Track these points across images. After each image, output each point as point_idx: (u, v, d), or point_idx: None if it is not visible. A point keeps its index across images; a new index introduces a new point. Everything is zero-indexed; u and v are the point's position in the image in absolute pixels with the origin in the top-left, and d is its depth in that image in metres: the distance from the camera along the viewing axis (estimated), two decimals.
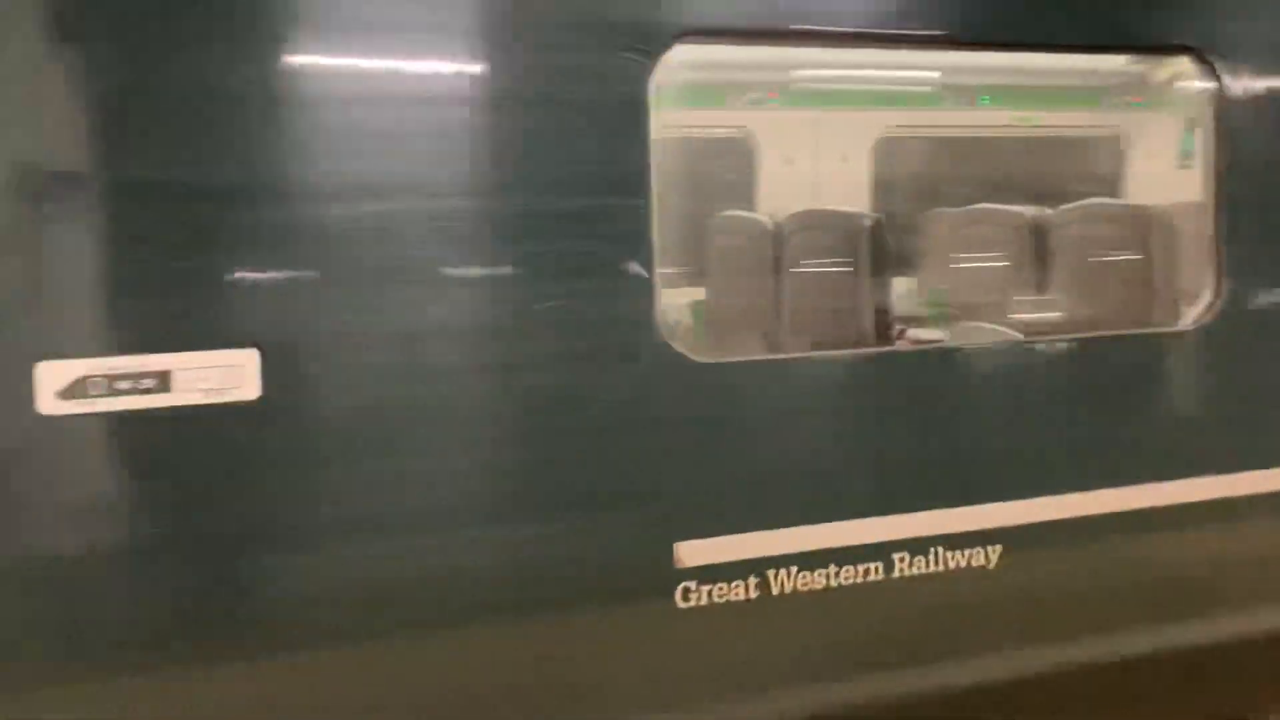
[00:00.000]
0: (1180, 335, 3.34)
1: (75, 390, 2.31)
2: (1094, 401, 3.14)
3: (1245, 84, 3.21)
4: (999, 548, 2.99)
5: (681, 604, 2.73)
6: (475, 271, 2.59)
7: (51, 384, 2.29)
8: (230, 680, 2.43)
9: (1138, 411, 3.21)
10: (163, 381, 2.35)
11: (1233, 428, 3.32)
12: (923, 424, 2.98)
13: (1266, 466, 3.29)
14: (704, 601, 2.75)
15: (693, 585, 2.74)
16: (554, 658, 2.69)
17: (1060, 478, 3.07)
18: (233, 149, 2.37)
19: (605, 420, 2.68)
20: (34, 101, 2.25)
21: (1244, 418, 3.33)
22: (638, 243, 2.66)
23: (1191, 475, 3.17)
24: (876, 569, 2.90)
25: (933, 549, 2.95)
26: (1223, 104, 3.18)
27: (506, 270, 2.60)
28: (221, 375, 2.41)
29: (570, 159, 2.60)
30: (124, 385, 2.33)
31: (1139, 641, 3.26)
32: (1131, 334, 3.45)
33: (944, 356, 3.36)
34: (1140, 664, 3.27)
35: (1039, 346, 3.19)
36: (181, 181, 2.34)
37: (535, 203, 2.59)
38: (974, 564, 2.98)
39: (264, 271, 2.40)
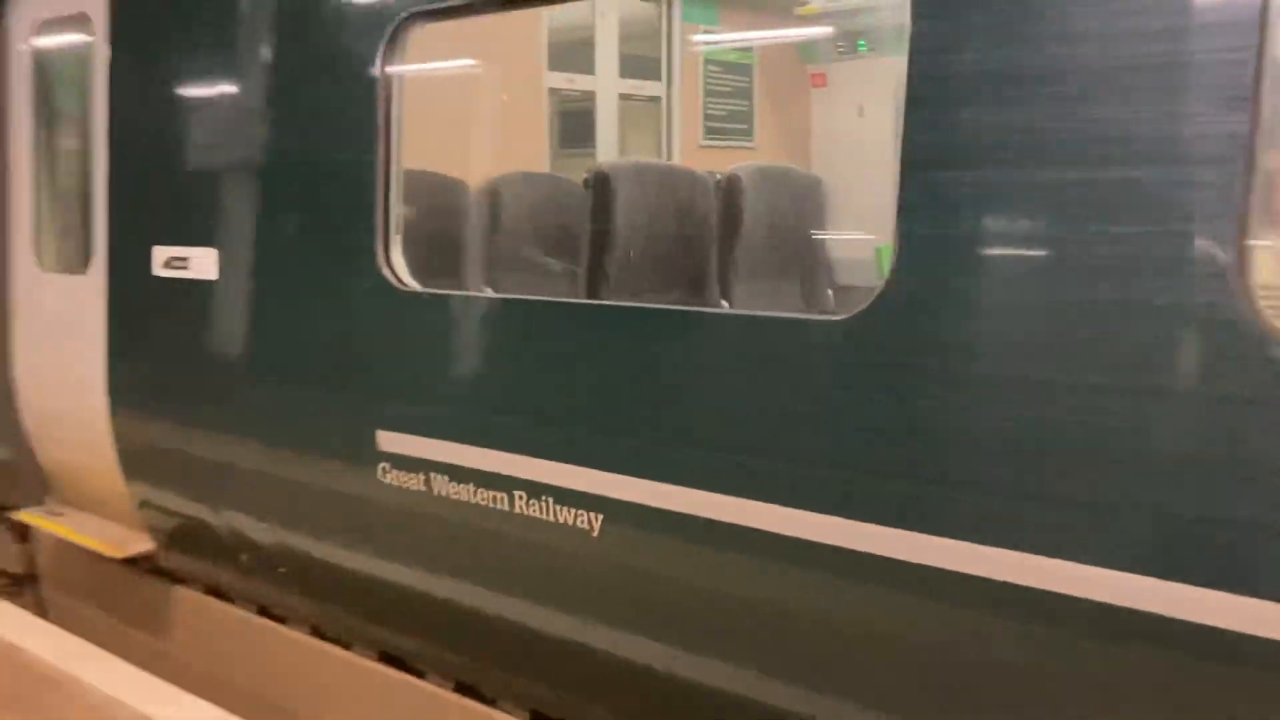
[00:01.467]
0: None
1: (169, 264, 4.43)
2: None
3: None
4: (600, 517, 3.04)
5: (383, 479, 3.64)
6: None
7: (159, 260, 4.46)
8: None
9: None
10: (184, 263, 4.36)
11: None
12: (550, 376, 3.25)
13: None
14: (395, 482, 3.60)
15: (388, 466, 3.61)
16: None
17: (653, 464, 2.95)
18: None
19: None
20: None
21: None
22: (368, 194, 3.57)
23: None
24: (501, 499, 3.28)
25: (545, 497, 3.16)
26: None
27: None
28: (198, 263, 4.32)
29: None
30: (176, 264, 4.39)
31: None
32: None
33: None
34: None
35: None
36: None
37: None
38: (579, 525, 3.09)
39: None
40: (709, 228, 4.10)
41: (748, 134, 5.56)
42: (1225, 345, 2.01)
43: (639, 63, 5.79)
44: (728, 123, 5.42)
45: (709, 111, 5.56)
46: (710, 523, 2.76)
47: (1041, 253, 2.26)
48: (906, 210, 2.39)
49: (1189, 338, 2.08)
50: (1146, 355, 2.10)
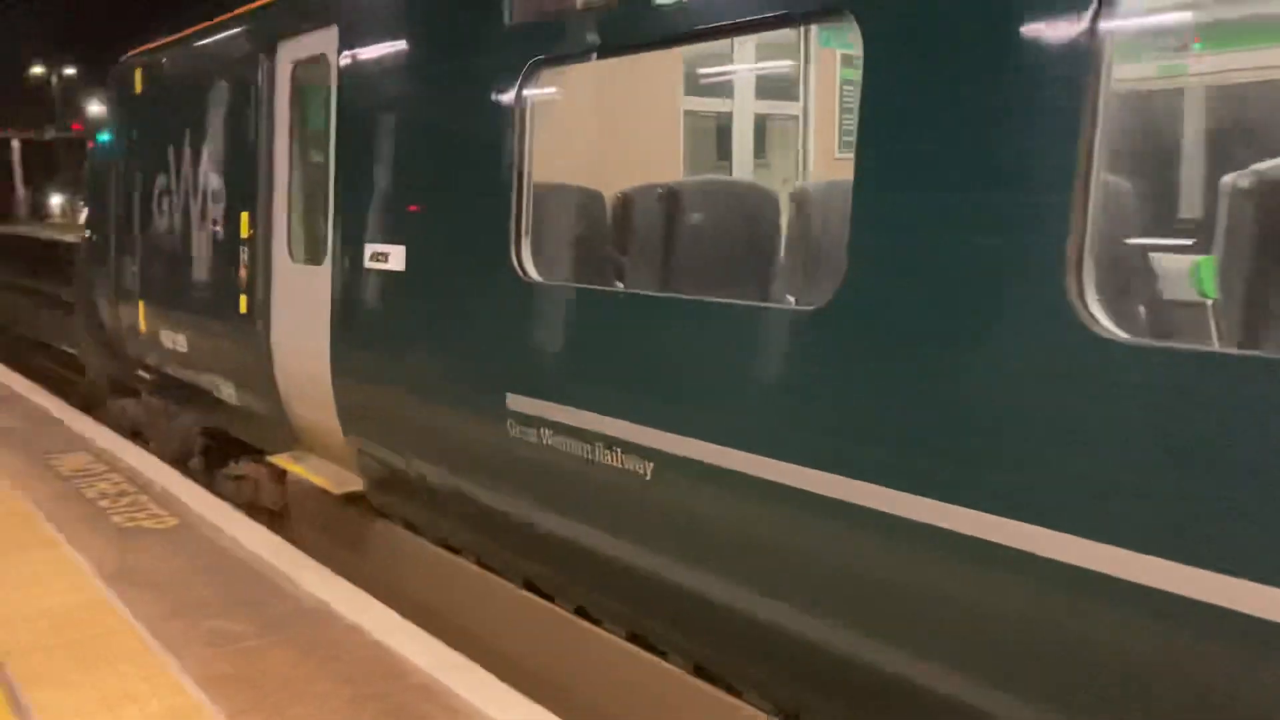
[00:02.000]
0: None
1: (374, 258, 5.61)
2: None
3: None
4: (652, 464, 3.90)
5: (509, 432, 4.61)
6: None
7: (368, 254, 5.64)
8: None
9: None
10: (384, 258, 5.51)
11: None
12: (627, 353, 4.16)
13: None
14: (517, 435, 4.56)
15: (513, 422, 4.58)
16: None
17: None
18: None
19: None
20: None
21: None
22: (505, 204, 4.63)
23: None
24: (588, 450, 4.16)
25: (615, 449, 4.04)
26: None
27: None
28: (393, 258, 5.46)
29: None
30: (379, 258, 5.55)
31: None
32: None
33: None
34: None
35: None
36: None
37: None
38: (637, 471, 3.96)
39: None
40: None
41: None
42: (1057, 329, 2.66)
43: (778, 84, 6.52)
44: None
45: (845, 126, 6.08)
46: (742, 475, 3.53)
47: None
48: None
49: (1031, 325, 2.74)
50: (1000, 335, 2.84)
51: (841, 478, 3.17)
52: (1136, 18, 3.10)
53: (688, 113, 6.27)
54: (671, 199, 4.47)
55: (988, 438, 2.84)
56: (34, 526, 5.80)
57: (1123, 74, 2.82)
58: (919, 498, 2.96)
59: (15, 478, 6.78)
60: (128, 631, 4.44)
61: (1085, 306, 2.60)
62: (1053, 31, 2.65)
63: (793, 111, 6.39)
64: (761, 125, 6.65)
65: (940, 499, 2.91)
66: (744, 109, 6.43)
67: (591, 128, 5.75)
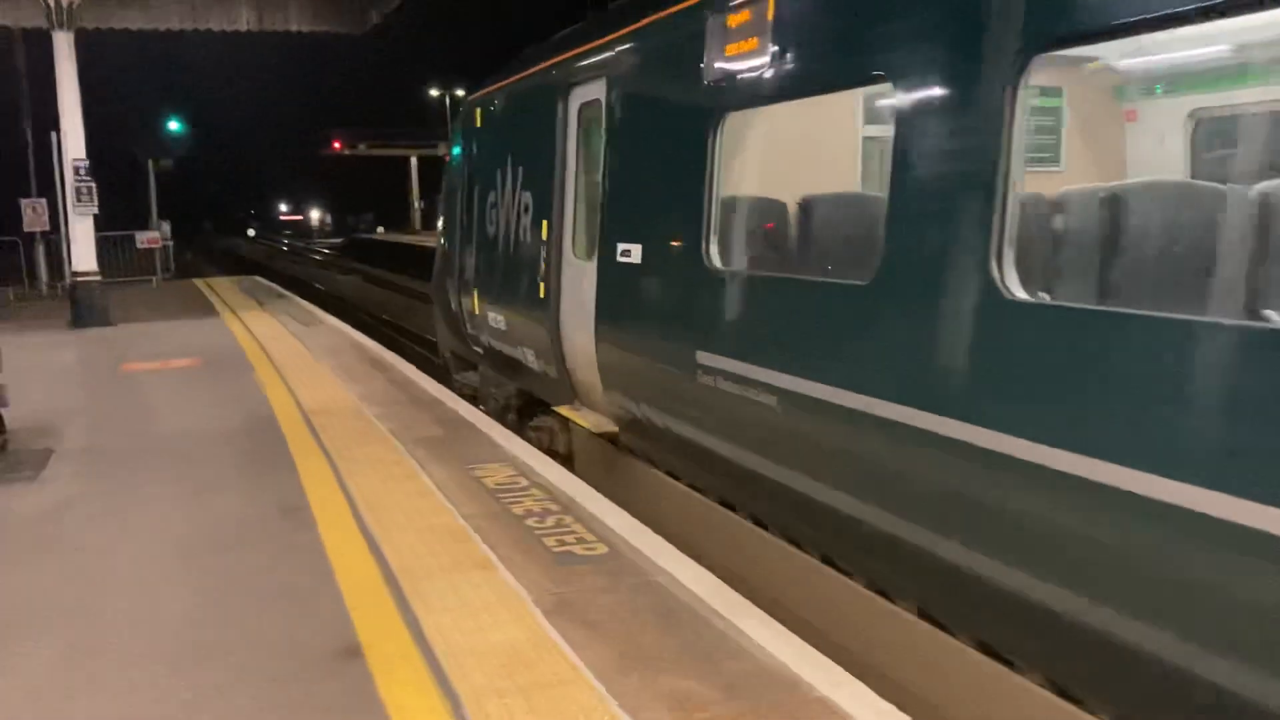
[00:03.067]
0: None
1: (622, 254, 7.21)
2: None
3: None
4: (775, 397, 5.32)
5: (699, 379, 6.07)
6: None
7: (619, 251, 7.23)
8: None
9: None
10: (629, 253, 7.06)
11: None
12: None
13: None
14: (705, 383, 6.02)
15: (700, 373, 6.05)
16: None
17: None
18: None
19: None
20: None
21: None
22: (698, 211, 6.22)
23: None
24: (745, 390, 5.60)
25: (751, 388, 5.53)
26: None
27: None
28: (634, 253, 7.04)
29: None
30: (625, 254, 7.11)
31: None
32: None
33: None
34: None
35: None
36: None
37: None
38: (766, 402, 5.40)
39: None
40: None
41: (1056, 160, 6.34)
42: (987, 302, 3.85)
43: None
44: (1036, 153, 6.18)
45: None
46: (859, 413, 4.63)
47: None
48: None
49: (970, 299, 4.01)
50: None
51: None
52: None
53: (866, 138, 6.56)
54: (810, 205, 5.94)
55: None
56: (467, 545, 5.65)
57: None
58: None
59: (444, 489, 6.77)
60: (580, 682, 4.02)
61: None
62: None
63: None
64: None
65: None
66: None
67: (783, 154, 6.82)
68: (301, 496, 6.70)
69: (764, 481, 5.67)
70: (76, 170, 16.89)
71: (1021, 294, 3.82)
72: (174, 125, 33.41)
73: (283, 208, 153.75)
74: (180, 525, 6.23)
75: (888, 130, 4.65)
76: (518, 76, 10.04)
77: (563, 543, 5.65)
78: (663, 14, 6.94)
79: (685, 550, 5.68)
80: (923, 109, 4.35)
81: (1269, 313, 3.32)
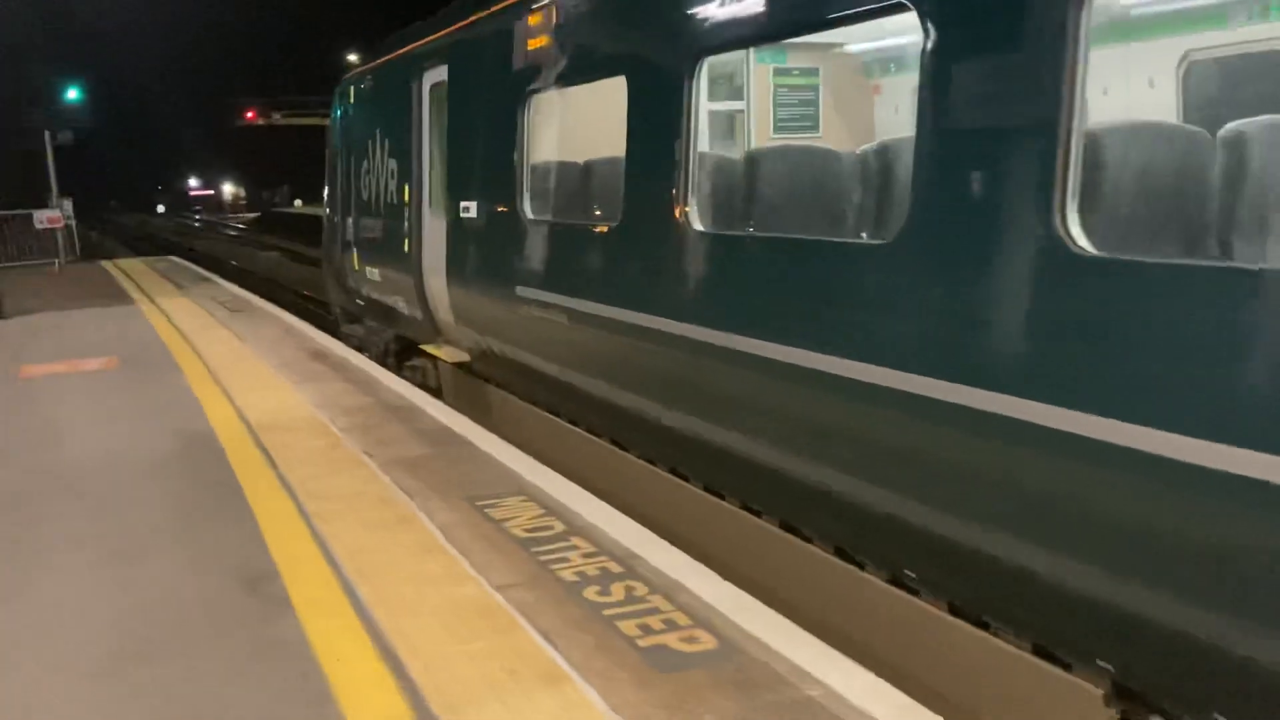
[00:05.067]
0: None
1: (464, 210, 8.91)
2: None
3: None
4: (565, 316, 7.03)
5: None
6: None
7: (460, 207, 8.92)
8: None
9: None
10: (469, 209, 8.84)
11: None
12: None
13: None
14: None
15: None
16: None
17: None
18: None
19: None
20: None
21: None
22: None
23: None
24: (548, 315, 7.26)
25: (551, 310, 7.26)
26: None
27: None
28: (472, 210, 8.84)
29: None
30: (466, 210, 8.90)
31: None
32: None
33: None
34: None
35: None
36: None
37: None
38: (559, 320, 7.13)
39: None
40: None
41: (814, 128, 7.59)
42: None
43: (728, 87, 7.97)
44: (795, 121, 7.69)
45: (778, 115, 7.75)
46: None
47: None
48: None
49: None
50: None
51: None
52: None
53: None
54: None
55: None
56: (515, 639, 4.03)
57: None
58: None
59: (455, 538, 5.13)
60: None
61: None
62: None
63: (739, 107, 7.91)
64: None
65: None
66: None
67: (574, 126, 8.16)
68: (266, 557, 5.01)
69: (558, 383, 7.51)
70: None
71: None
72: (73, 93, 30.63)
73: (193, 183, 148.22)
74: (99, 614, 4.49)
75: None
76: (383, 60, 11.71)
77: (648, 630, 4.06)
78: (486, 12, 8.58)
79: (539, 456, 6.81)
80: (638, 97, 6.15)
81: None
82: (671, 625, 4.09)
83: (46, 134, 28.45)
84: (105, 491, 6.26)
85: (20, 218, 23.45)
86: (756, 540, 5.59)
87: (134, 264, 25.01)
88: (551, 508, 5.58)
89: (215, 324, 13.21)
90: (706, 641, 3.94)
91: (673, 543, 5.05)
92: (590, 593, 4.42)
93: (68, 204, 25.66)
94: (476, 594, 4.47)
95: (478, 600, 4.41)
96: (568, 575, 4.62)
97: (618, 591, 4.43)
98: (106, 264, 25.11)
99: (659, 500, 6.44)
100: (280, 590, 4.61)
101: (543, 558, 4.85)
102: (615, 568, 4.69)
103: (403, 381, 9.28)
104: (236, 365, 10.19)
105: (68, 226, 24.38)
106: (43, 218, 23.51)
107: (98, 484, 6.43)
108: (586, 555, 4.86)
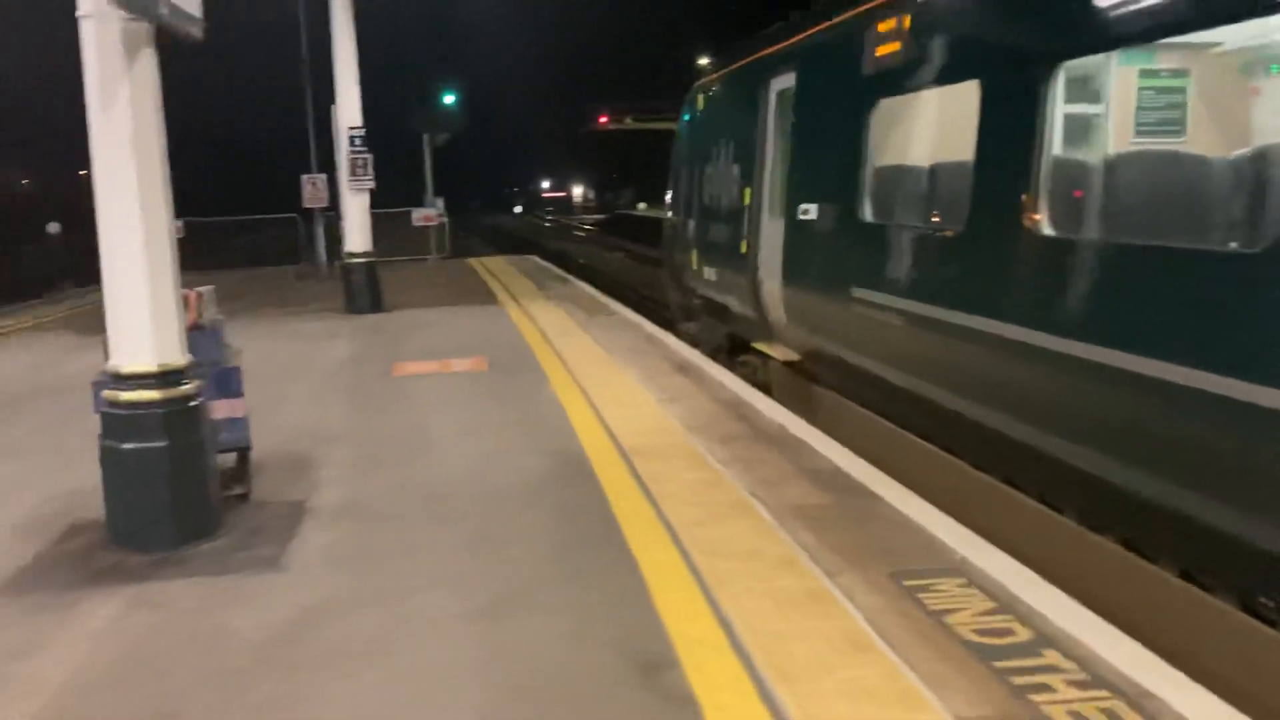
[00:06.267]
0: None
1: (803, 213, 9.10)
2: None
3: None
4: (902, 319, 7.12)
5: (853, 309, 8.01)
6: None
7: (800, 210, 9.18)
8: None
9: None
10: (809, 212, 9.06)
11: None
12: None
13: None
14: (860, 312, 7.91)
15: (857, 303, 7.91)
16: None
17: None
18: None
19: None
20: None
21: None
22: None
23: None
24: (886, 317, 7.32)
25: (886, 313, 7.39)
26: None
27: None
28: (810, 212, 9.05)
29: None
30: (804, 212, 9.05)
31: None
32: None
33: None
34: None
35: None
36: None
37: None
38: (896, 323, 7.23)
39: None
40: None
41: (1180, 132, 6.83)
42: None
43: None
44: (1159, 126, 6.81)
45: (1140, 119, 6.90)
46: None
47: None
48: None
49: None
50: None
51: None
52: None
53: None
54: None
55: None
56: None
57: None
58: None
59: (888, 635, 4.05)
60: None
61: None
62: None
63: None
64: None
65: None
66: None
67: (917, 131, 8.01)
68: (659, 632, 4.17)
69: (890, 385, 7.46)
70: (351, 140, 15.37)
71: None
72: (449, 99, 32.48)
73: (545, 184, 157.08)
74: (470, 692, 3.80)
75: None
76: (732, 67, 12.02)
77: None
78: (834, 20, 8.75)
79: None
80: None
81: None
82: None
83: (425, 137, 30.29)
84: (477, 519, 5.72)
85: (396, 216, 24.89)
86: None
87: (497, 262, 25.96)
88: (1002, 599, 4.38)
89: (576, 328, 12.93)
90: None
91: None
92: None
93: (440, 203, 27.08)
94: None
95: None
96: (1057, 715, 3.43)
97: None
98: (473, 261, 26.24)
99: (1025, 532, 5.91)
100: (681, 685, 3.73)
101: (1013, 679, 3.68)
102: (1128, 714, 3.44)
103: (778, 407, 8.35)
104: (600, 375, 9.68)
105: (441, 224, 25.67)
106: (419, 216, 24.85)
107: (469, 508, 5.91)
108: (1076, 684, 3.64)
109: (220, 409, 5.77)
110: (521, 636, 4.21)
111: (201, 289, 5.96)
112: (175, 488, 5.17)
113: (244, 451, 6.23)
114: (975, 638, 4.01)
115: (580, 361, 10.45)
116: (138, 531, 5.17)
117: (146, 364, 5.11)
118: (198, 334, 5.75)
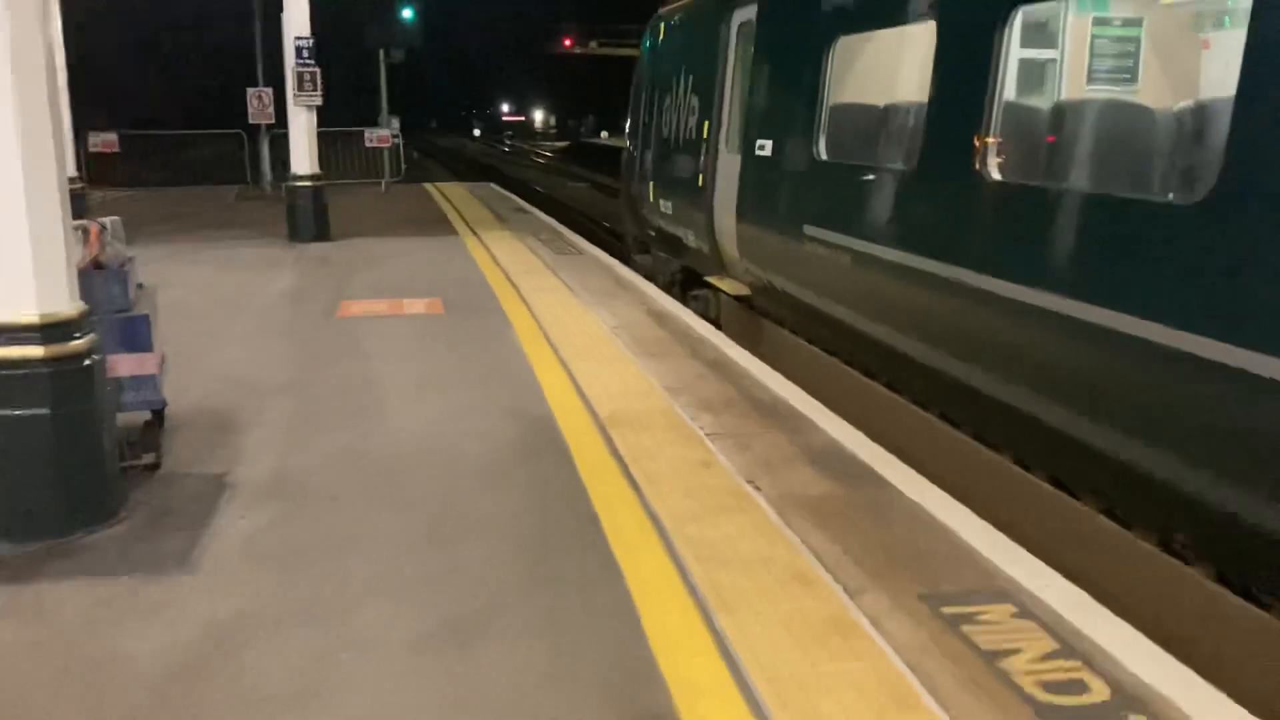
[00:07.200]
0: None
1: (759, 148, 9.02)
2: None
3: None
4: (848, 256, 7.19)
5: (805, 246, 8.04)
6: None
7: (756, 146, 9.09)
8: None
9: None
10: (765, 148, 9.04)
11: None
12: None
13: None
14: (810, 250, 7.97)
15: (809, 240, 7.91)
16: None
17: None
18: None
19: None
20: None
21: None
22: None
23: None
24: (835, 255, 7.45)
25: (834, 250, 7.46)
26: None
27: None
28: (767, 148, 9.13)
29: None
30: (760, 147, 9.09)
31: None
32: None
33: None
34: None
35: None
36: None
37: None
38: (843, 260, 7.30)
39: None
40: None
41: (1132, 81, 6.92)
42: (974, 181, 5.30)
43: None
44: (1113, 74, 6.94)
45: (1093, 67, 7.03)
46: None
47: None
48: None
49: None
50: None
51: None
52: None
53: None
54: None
55: None
56: None
57: None
58: None
59: (931, 684, 3.30)
60: None
61: None
62: None
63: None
64: None
65: None
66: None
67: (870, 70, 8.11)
68: (653, 676, 3.38)
69: (837, 322, 7.60)
70: (299, 51, 14.15)
71: None
72: (406, 12, 30.90)
73: (505, 108, 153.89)
74: None
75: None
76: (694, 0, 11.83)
77: None
78: None
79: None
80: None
81: None
82: None
83: (381, 53, 28.78)
84: (430, 503, 4.88)
85: (349, 135, 23.58)
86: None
87: (455, 189, 24.78)
88: (1062, 635, 3.64)
89: (541, 268, 12.00)
90: None
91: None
92: None
93: (396, 122, 25.75)
94: None
95: None
96: None
97: None
98: (429, 186, 25.04)
99: (963, 471, 5.99)
100: None
101: None
102: None
103: (767, 368, 7.55)
104: (569, 323, 8.81)
105: (395, 145, 24.39)
106: (374, 137, 23.55)
107: (421, 488, 5.07)
108: None
109: (124, 365, 4.86)
110: (484, 676, 3.39)
111: (106, 219, 5.00)
112: (63, 464, 4.27)
113: (157, 412, 5.32)
114: (1042, 694, 3.27)
115: (546, 306, 9.56)
116: (18, 518, 4.26)
117: (27, 314, 4.18)
118: (99, 275, 4.81)
